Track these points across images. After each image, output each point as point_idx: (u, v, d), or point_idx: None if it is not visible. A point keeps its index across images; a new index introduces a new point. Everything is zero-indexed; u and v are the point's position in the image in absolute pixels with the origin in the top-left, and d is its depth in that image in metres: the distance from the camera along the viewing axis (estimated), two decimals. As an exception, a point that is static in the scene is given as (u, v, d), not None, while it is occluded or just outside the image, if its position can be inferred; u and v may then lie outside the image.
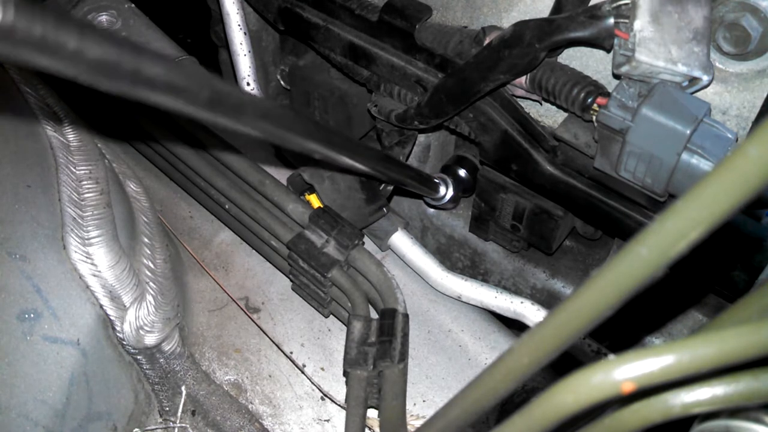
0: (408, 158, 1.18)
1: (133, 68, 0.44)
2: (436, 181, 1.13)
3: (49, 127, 1.01)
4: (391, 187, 1.08)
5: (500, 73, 0.85)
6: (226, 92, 0.54)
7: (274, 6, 1.10)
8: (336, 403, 0.94)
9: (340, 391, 0.93)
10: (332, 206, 1.00)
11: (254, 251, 1.07)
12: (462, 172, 1.19)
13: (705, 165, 0.73)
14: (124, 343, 0.91)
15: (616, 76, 0.81)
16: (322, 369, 0.96)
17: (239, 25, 1.15)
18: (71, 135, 1.02)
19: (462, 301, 1.03)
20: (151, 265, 0.97)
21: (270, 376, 0.98)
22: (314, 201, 1.02)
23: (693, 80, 0.75)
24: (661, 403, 0.40)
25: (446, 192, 1.14)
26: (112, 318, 0.90)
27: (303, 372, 0.96)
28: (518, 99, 0.94)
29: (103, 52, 0.41)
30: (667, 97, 0.74)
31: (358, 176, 1.01)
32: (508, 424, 0.43)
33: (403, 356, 0.85)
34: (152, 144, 1.10)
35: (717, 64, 0.78)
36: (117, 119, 1.12)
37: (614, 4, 0.74)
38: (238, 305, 1.03)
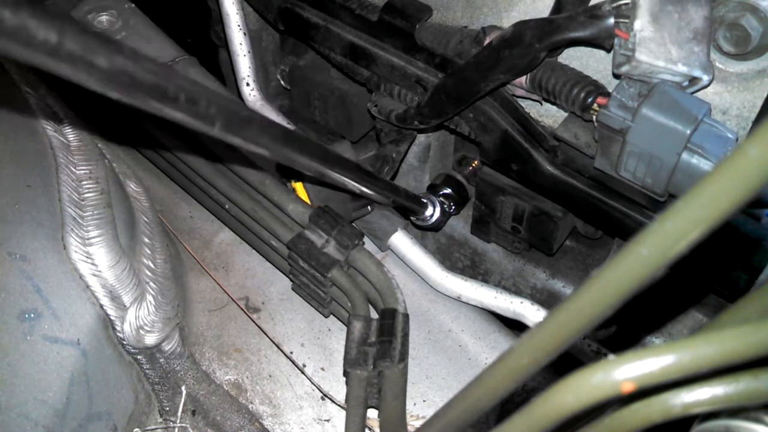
0: (405, 157, 1.18)
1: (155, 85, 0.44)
2: (424, 200, 1.14)
3: (49, 127, 1.01)
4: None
5: (500, 73, 0.85)
6: (227, 109, 0.55)
7: (274, 6, 1.10)
8: (336, 403, 0.94)
9: (340, 391, 0.93)
10: (317, 198, 1.01)
11: (254, 251, 1.07)
12: (448, 192, 1.20)
13: (705, 165, 0.73)
14: (124, 343, 0.91)
15: (616, 76, 0.81)
16: (322, 369, 0.96)
17: (239, 25, 1.15)
18: (71, 135, 1.02)
19: (462, 301, 1.03)
20: (151, 265, 0.97)
21: (270, 376, 0.98)
22: (300, 189, 1.02)
23: (693, 80, 0.75)
24: (661, 403, 0.40)
25: (433, 212, 1.15)
26: (112, 318, 0.90)
27: (303, 372, 0.96)
28: (518, 99, 0.94)
29: (128, 66, 0.41)
30: (667, 97, 0.74)
31: None
32: (508, 424, 0.42)
33: (403, 356, 0.85)
34: (153, 145, 1.10)
35: (717, 64, 0.78)
36: (117, 118, 1.12)
37: (614, 4, 0.74)
38: (238, 305, 1.03)
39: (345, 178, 0.86)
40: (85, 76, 0.40)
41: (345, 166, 0.84)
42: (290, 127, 1.15)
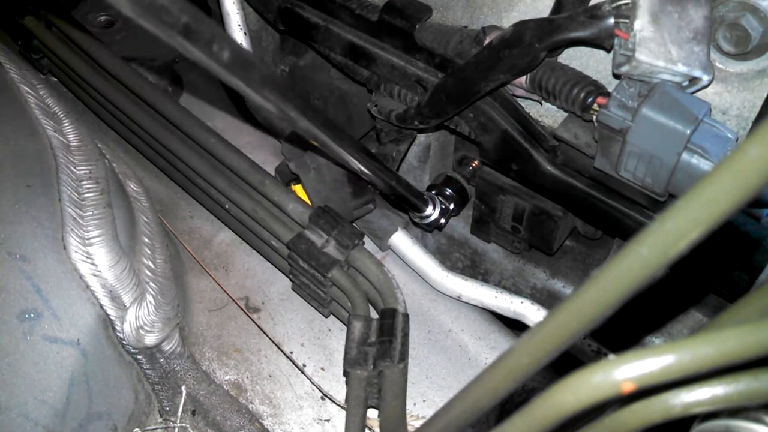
0: (404, 157, 1.18)
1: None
2: (425, 197, 1.14)
3: (49, 127, 1.01)
4: None
5: (500, 73, 0.85)
6: (239, 53, 0.57)
7: (274, 6, 1.10)
8: (336, 403, 0.94)
9: (340, 391, 0.93)
10: (316, 197, 1.00)
11: (254, 251, 1.07)
12: (448, 192, 1.20)
13: (705, 165, 0.73)
14: (124, 343, 0.91)
15: (616, 76, 0.81)
16: (322, 369, 0.96)
17: (239, 25, 1.15)
18: (71, 135, 1.02)
19: (462, 301, 1.03)
20: (151, 265, 0.97)
21: (270, 376, 0.98)
22: (300, 191, 1.02)
23: (693, 80, 0.75)
24: (661, 403, 0.40)
25: (432, 212, 1.15)
26: (112, 318, 0.90)
27: (303, 372, 0.96)
28: (518, 99, 0.94)
29: None
30: (667, 97, 0.74)
31: (346, 170, 1.02)
32: (508, 424, 0.42)
33: (403, 356, 0.85)
34: (152, 143, 1.10)
35: (717, 64, 0.78)
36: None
37: (614, 4, 0.74)
38: (238, 305, 1.03)
39: (346, 153, 0.85)
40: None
41: (347, 141, 0.84)
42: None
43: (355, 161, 0.88)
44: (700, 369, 0.35)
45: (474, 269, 1.31)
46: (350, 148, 0.84)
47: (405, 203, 1.09)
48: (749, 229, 0.82)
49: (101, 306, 0.89)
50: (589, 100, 0.83)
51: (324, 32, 1.05)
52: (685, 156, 0.74)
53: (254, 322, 1.01)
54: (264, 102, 0.65)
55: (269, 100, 0.65)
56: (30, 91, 1.05)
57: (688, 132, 0.72)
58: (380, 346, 0.85)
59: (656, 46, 0.73)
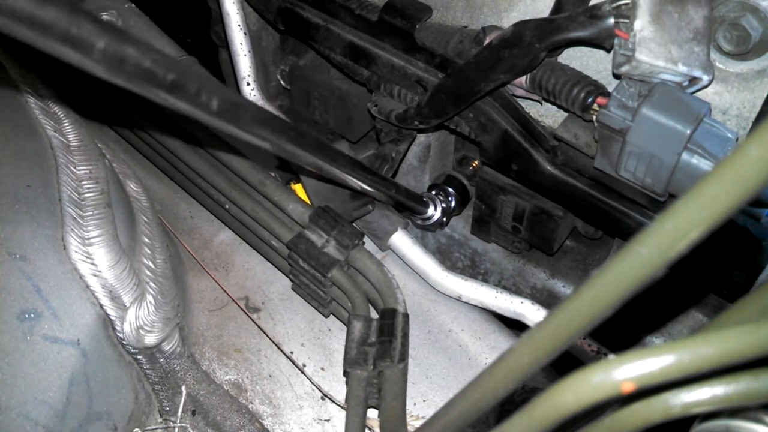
0: (404, 157, 1.18)
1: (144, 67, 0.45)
2: (425, 200, 1.14)
3: (49, 127, 1.01)
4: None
5: (500, 73, 0.85)
6: (227, 97, 0.56)
7: (274, 6, 1.10)
8: (336, 403, 0.94)
9: (340, 391, 0.93)
10: (316, 198, 1.01)
11: (254, 251, 1.07)
12: (449, 192, 1.20)
13: (705, 165, 0.73)
14: (125, 343, 0.91)
15: (617, 76, 0.81)
16: (322, 369, 0.96)
17: (239, 25, 1.15)
18: (71, 135, 1.02)
19: (462, 301, 1.03)
20: (151, 265, 0.97)
21: (270, 376, 0.98)
22: (299, 191, 1.02)
23: (693, 80, 0.75)
24: (661, 403, 0.40)
25: (434, 212, 1.16)
26: (112, 318, 0.90)
27: (303, 372, 0.96)
28: (518, 99, 0.94)
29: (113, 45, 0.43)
30: (667, 96, 0.74)
31: None
32: (508, 424, 0.42)
33: (403, 356, 0.85)
34: (152, 143, 1.10)
35: (717, 64, 0.78)
36: (113, 113, 1.12)
37: (614, 4, 0.74)
38: (238, 305, 1.03)
39: (344, 174, 0.86)
40: (88, 60, 0.42)
41: (344, 161, 0.84)
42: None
43: (353, 179, 0.88)
44: (700, 369, 0.35)
45: (474, 269, 1.31)
46: (346, 167, 0.85)
47: (406, 209, 1.09)
48: (749, 230, 0.83)
49: (101, 306, 0.89)
50: (589, 100, 0.83)
51: (324, 32, 1.05)
52: (685, 156, 0.74)
53: (254, 322, 1.01)
54: (259, 141, 0.64)
55: (263, 139, 0.65)
56: (30, 91, 1.05)
57: (688, 132, 0.72)
58: (380, 346, 0.85)
59: (656, 46, 0.73)
